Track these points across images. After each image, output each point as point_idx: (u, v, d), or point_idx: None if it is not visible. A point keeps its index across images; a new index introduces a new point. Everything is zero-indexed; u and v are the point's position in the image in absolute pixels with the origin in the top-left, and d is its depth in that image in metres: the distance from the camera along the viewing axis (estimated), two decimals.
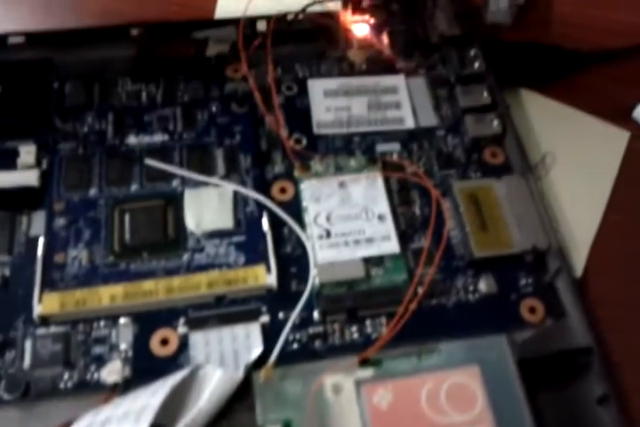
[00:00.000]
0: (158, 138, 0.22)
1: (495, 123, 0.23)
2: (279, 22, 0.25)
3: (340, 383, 0.17)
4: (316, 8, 0.25)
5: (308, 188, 0.22)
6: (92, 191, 0.21)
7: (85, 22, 0.25)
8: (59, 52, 0.23)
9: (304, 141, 0.23)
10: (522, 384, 0.17)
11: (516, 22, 0.27)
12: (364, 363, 0.17)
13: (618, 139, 0.25)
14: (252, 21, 0.25)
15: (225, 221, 0.21)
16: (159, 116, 0.23)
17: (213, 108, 0.23)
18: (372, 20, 0.26)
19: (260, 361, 0.18)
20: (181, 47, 0.24)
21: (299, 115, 0.24)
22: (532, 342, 0.19)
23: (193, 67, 0.24)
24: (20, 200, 0.21)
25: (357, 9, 0.26)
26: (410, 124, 0.24)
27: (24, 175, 0.21)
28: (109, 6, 0.26)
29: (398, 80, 0.25)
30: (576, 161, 0.24)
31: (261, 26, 0.25)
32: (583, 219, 0.23)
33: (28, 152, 0.22)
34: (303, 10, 0.24)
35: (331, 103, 0.24)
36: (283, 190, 0.22)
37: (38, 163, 0.22)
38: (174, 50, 0.24)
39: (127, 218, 0.21)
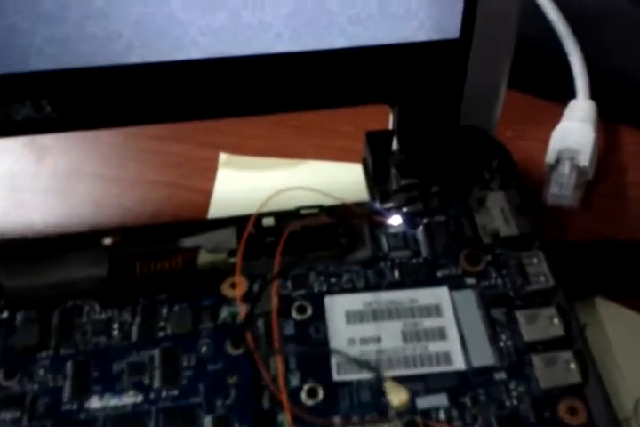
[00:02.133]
0: (129, 399, 0.18)
1: (572, 366, 0.19)
2: (290, 219, 0.21)
3: None
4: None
5: None
6: None
7: (56, 223, 0.21)
8: (8, 275, 0.20)
9: (320, 393, 0.18)
10: None
11: (584, 204, 0.23)
12: None
13: None
14: (256, 219, 0.21)
15: None
16: (132, 365, 0.18)
17: (203, 349, 0.19)
18: (405, 209, 0.22)
19: None
20: (166, 258, 0.20)
21: (314, 349, 0.20)
22: None
23: (180, 284, 0.20)
24: None
25: (386, 195, 0.23)
26: (459, 363, 0.19)
27: None
28: (84, 190, 0.23)
29: (441, 295, 0.20)
30: None
31: (268, 222, 0.21)
32: None
33: None
34: (325, 207, 0.21)
35: (355, 332, 0.20)
36: None
37: None
38: (157, 263, 0.20)
39: None
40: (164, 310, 0.20)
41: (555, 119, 0.25)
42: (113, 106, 0.18)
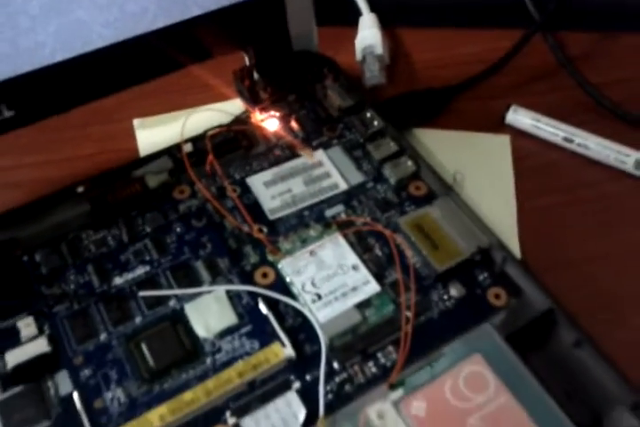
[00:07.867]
0: (141, 271, 0.29)
1: (409, 163, 0.33)
2: (202, 141, 0.34)
3: (381, 410, 0.23)
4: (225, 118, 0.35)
5: (286, 266, 0.29)
6: (103, 336, 0.28)
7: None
8: (19, 229, 0.31)
9: (265, 229, 0.31)
10: (516, 354, 0.24)
11: (390, 80, 0.38)
12: (392, 387, 0.24)
13: (502, 143, 0.36)
14: (178, 147, 0.34)
15: (229, 318, 0.28)
16: (133, 252, 0.30)
17: (177, 229, 0.31)
18: (278, 114, 0.36)
19: (308, 420, 0.24)
20: (127, 188, 0.32)
21: (251, 209, 0.32)
22: (508, 321, 0.27)
23: (144, 201, 0.32)
24: (38, 369, 0.27)
25: (262, 109, 0.36)
26: (343, 186, 0.33)
27: (34, 345, 0.27)
28: (39, 176, 0.35)
29: (320, 155, 0.34)
30: (479, 171, 0.35)
31: (188, 148, 0.34)
32: (503, 213, 0.33)
33: (27, 325, 0.28)
34: (224, 125, 0.34)
35: (273, 191, 0.32)
36: (265, 275, 0.29)
37: (41, 330, 0.28)
38: (121, 192, 0.31)
39: (144, 347, 0.27)
40: (139, 220, 0.32)
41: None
42: (55, 96, 0.30)
